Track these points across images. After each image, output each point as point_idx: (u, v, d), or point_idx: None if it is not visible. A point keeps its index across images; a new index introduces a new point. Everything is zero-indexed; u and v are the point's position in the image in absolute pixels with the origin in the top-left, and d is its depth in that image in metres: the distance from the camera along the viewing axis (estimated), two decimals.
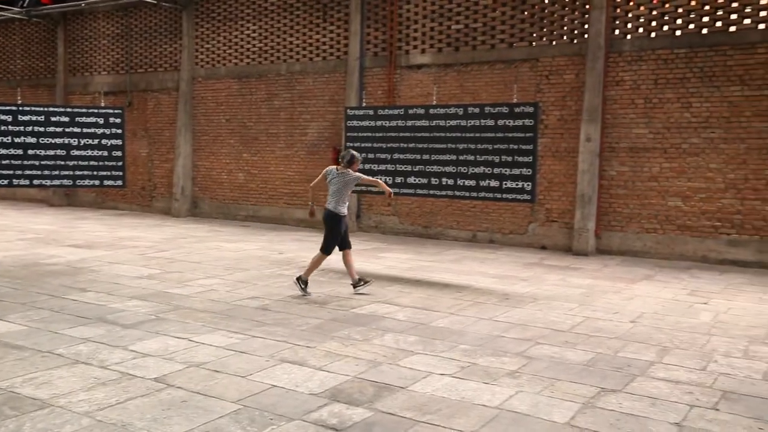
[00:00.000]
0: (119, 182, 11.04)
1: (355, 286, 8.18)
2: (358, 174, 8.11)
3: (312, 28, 16.04)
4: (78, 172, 10.61)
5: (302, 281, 8.06)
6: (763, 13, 11.06)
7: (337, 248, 8.19)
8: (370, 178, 8.55)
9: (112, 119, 10.87)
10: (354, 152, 8.18)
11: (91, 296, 7.65)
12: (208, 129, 17.86)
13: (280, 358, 5.41)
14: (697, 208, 11.71)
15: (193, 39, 17.96)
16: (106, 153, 10.81)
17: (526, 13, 13.28)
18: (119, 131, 10.92)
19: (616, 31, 12.40)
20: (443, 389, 4.76)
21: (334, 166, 8.20)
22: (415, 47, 14.60)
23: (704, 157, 11.60)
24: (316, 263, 8.16)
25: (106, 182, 10.91)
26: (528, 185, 8.66)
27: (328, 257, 8.25)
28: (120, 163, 10.95)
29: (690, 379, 5.15)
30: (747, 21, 11.23)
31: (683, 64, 11.69)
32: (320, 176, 8.27)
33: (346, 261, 8.25)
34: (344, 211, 8.05)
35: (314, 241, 13.49)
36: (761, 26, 11.11)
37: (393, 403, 4.44)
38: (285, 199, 16.69)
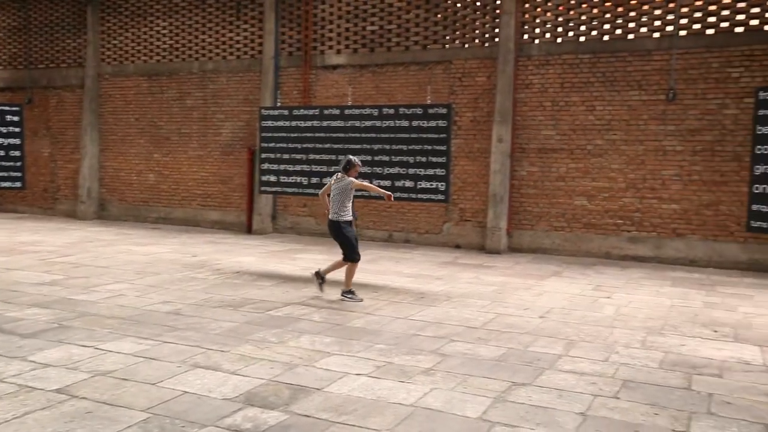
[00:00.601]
0: (18, 183, 10.48)
1: (343, 293, 7.95)
2: (351, 179, 7.82)
3: (225, 26, 15.74)
4: None
5: (346, 293, 7.90)
6: (657, 23, 11.72)
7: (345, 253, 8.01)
8: (364, 183, 8.15)
9: (9, 117, 10.31)
10: (352, 157, 7.96)
11: None
12: (116, 128, 17.19)
13: (193, 363, 5.28)
14: (600, 206, 12.27)
15: (98, 34, 17.24)
16: (3, 153, 10.23)
17: (439, 15, 13.52)
18: (17, 130, 10.37)
19: (525, 36, 12.82)
20: (359, 389, 4.78)
21: (336, 174, 8.02)
22: (330, 48, 14.58)
23: (607, 158, 12.17)
24: (348, 273, 7.94)
25: (3, 183, 10.32)
26: (442, 185, 8.82)
27: (352, 261, 7.99)
28: (19, 164, 10.41)
29: (594, 370, 5.39)
30: (643, 29, 11.86)
31: (587, 69, 12.22)
32: (328, 184, 8.13)
33: (341, 266, 8.07)
34: (346, 217, 7.85)
35: (229, 243, 13.25)
36: (656, 35, 11.76)
37: (309, 405, 4.42)
38: (199, 201, 16.29)
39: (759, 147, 6.00)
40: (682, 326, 7.07)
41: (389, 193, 8.01)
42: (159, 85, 16.56)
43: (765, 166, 5.93)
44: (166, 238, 13.73)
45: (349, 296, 7.85)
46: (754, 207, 6.06)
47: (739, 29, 11.22)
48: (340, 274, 8.24)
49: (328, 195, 8.08)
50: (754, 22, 11.14)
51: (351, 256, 7.88)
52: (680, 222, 11.69)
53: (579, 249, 12.42)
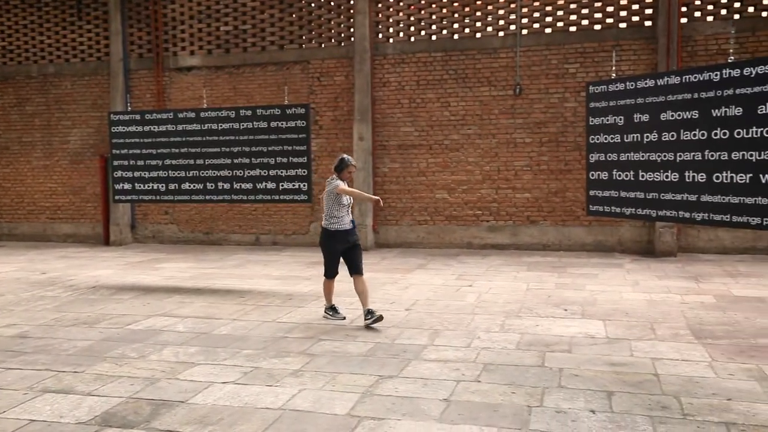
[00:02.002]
0: None
1: (366, 316, 6.65)
2: (337, 183, 6.73)
3: (66, 27, 14.77)
4: None
5: (327, 309, 7.12)
6: (502, 22, 12.37)
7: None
8: (349, 188, 6.80)
9: None
10: (345, 156, 6.88)
11: None
12: None
13: (42, 388, 4.91)
14: (460, 199, 12.78)
15: None
16: None
17: (294, 15, 13.47)
18: None
19: (380, 35, 13.08)
20: (225, 397, 4.67)
21: (333, 175, 6.94)
22: (183, 49, 14.10)
23: (464, 152, 12.69)
24: (325, 290, 7.12)
25: None
26: (304, 185, 8.80)
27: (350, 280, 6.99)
28: None
29: (457, 357, 5.61)
30: (490, 29, 12.48)
31: (440, 67, 12.67)
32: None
33: (357, 289, 6.79)
34: (334, 225, 6.78)
35: (84, 257, 12.47)
36: (501, 33, 12.42)
37: (172, 419, 4.26)
38: (47, 214, 15.20)
39: (592, 137, 6.51)
40: (537, 307, 7.52)
41: (377, 198, 6.88)
42: None
43: (599, 154, 6.44)
44: (10, 256, 12.69)
45: (329, 313, 7.08)
46: (591, 192, 6.56)
47: (573, 28, 12.10)
48: (139, 278, 7.99)
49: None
50: (585, 22, 12.07)
51: (325, 271, 7.03)
52: (533, 210, 12.43)
53: (443, 241, 12.87)
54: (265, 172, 8.95)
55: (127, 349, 5.98)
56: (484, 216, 12.68)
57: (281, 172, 8.89)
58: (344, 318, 6.94)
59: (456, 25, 12.64)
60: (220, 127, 9.16)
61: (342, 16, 13.25)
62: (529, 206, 12.43)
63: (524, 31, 12.29)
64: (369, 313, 6.52)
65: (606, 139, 6.47)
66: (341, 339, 6.26)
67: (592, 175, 6.63)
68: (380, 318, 6.45)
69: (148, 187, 9.58)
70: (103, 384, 5.00)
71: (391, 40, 13.00)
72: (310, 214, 13.53)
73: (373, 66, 12.96)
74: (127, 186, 9.70)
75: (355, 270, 6.76)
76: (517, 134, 12.39)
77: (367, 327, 6.40)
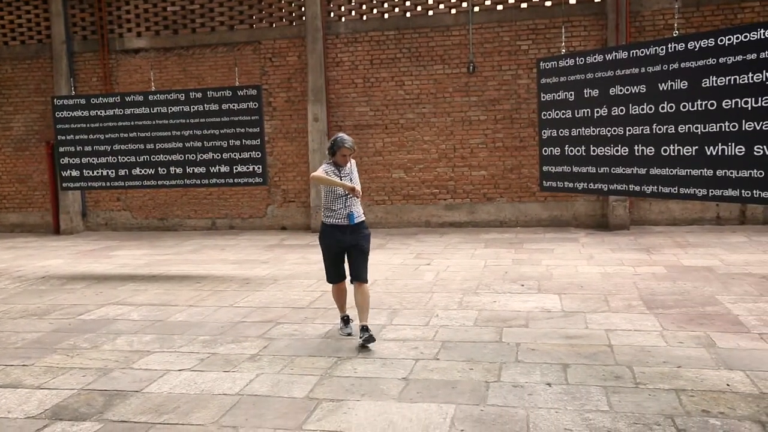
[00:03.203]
0: None
1: (361, 333, 5.38)
2: (322, 167, 5.51)
3: (3, 7, 14.18)
4: None
5: (341, 320, 5.84)
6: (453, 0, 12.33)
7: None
8: (321, 175, 5.45)
9: None
10: (339, 136, 5.50)
11: None
12: None
13: None
14: (417, 178, 12.78)
15: None
16: None
17: None
18: None
19: (332, 14, 12.91)
20: (182, 385, 4.60)
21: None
22: (129, 30, 13.70)
23: (419, 131, 12.67)
24: (333, 296, 5.87)
25: None
26: (259, 168, 8.67)
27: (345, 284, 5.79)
28: None
29: (415, 336, 5.63)
30: (442, 6, 12.43)
31: (393, 45, 12.59)
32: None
33: (356, 300, 5.51)
34: (330, 218, 5.50)
35: (33, 247, 12.11)
36: (453, 11, 12.38)
37: (126, 410, 4.17)
38: None
39: (544, 113, 6.55)
40: (494, 284, 7.60)
41: (352, 185, 5.43)
42: None
43: (551, 130, 6.49)
44: None
45: (339, 325, 5.88)
46: (545, 168, 6.61)
47: (524, 5, 12.13)
48: (92, 267, 7.83)
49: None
50: None
51: (326, 275, 5.76)
52: (489, 187, 12.52)
53: (401, 220, 12.88)
54: (218, 156, 8.78)
55: (79, 340, 5.84)
56: (441, 194, 12.72)
57: (235, 155, 8.73)
58: (350, 334, 5.71)
59: (408, 3, 12.55)
60: (170, 111, 8.94)
61: None
62: (486, 183, 12.51)
63: (476, 9, 12.26)
64: (364, 330, 5.36)
65: (557, 114, 6.51)
66: (299, 322, 6.22)
67: (545, 151, 6.68)
68: (373, 339, 5.33)
69: (98, 173, 9.32)
70: (54, 376, 4.87)
71: (343, 19, 12.84)
72: (266, 197, 13.38)
73: (326, 45, 12.80)
74: (75, 173, 9.41)
75: (354, 276, 5.50)
76: (472, 112, 12.42)
77: (361, 346, 5.32)
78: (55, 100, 9.55)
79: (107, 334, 6.01)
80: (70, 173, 9.43)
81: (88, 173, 9.36)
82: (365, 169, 12.91)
